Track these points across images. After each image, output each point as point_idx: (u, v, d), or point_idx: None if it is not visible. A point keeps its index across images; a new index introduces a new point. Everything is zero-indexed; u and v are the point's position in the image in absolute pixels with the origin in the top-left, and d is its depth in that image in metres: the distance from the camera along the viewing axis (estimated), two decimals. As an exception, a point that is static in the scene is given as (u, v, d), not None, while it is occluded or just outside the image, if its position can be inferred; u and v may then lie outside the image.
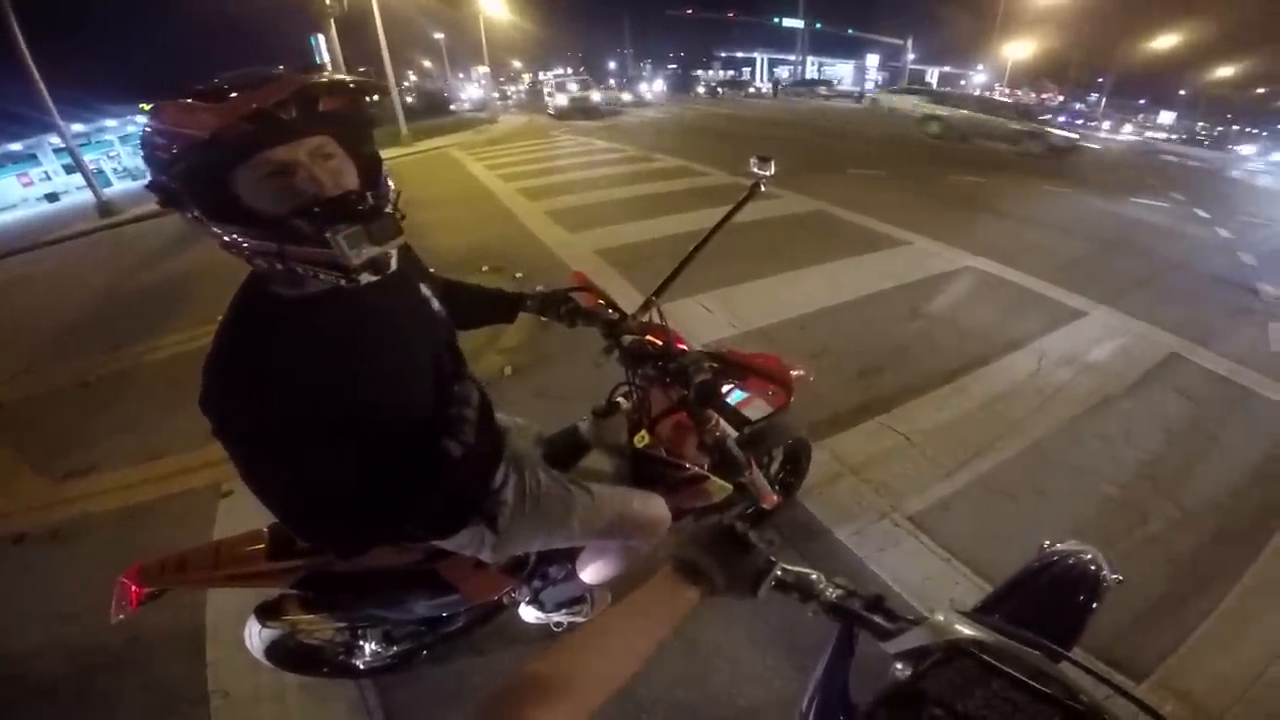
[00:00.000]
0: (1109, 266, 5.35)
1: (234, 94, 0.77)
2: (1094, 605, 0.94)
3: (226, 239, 0.82)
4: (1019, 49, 41.95)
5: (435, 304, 1.16)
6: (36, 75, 11.89)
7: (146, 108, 0.85)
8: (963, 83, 49.92)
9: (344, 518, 0.98)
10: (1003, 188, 8.96)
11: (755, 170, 1.76)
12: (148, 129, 0.80)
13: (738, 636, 1.93)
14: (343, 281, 0.86)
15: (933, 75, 53.31)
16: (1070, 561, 0.98)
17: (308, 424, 0.89)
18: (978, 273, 5.08)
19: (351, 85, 0.87)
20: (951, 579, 2.11)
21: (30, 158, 28.73)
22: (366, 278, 0.88)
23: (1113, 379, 3.36)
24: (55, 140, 22.47)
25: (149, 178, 0.82)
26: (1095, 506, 2.49)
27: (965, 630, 0.68)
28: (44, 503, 2.97)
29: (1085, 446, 2.82)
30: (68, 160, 20.57)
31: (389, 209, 0.89)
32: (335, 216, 0.82)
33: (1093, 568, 0.97)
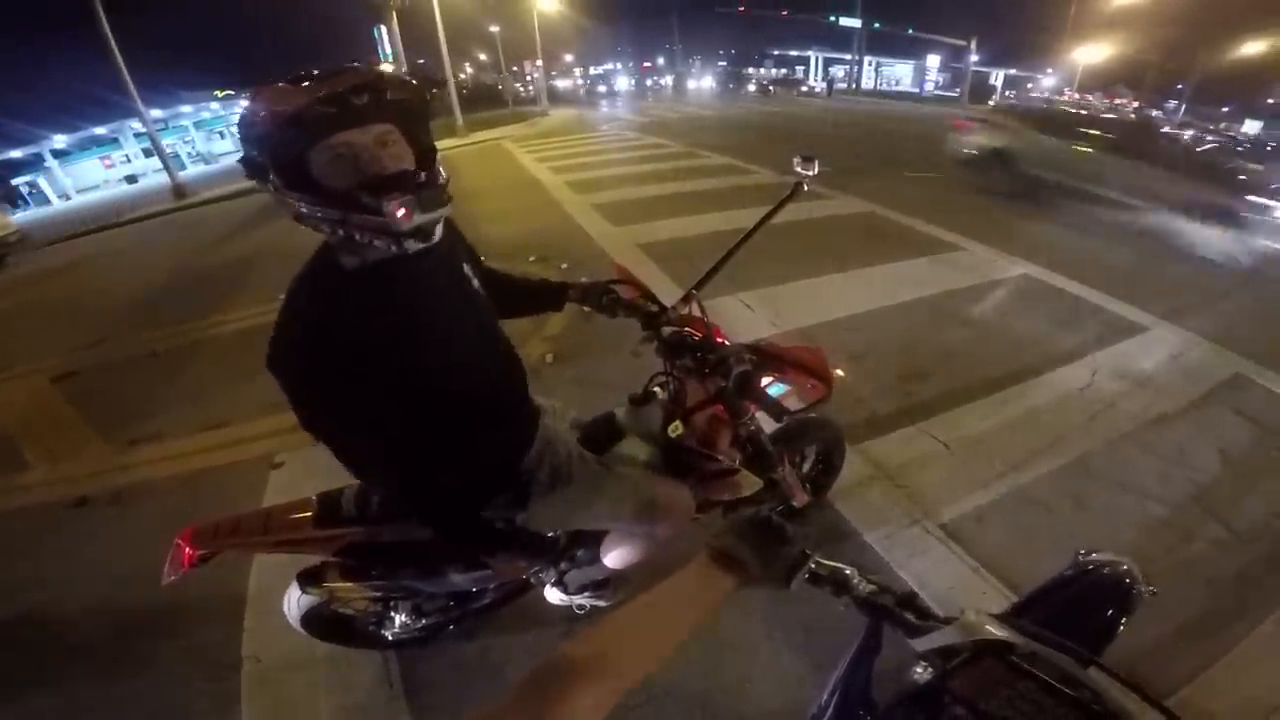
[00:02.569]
0: (1174, 279, 5.07)
1: (315, 81, 0.90)
2: (1126, 616, 0.92)
3: (299, 207, 0.95)
4: (1092, 52, 40.02)
5: (475, 282, 1.24)
6: (121, 62, 12.59)
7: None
8: (1029, 86, 48.01)
9: (406, 474, 1.10)
10: (1071, 196, 8.56)
11: (799, 170, 1.76)
12: (246, 109, 0.93)
13: (755, 629, 1.94)
14: (393, 247, 0.99)
15: (997, 78, 51.40)
16: (1105, 571, 0.97)
17: (364, 381, 1.00)
18: (1032, 280, 4.91)
19: (415, 82, 0.99)
20: (979, 589, 2.07)
21: (113, 141, 30.52)
22: (414, 245, 1.01)
23: (1169, 397, 3.21)
24: (136, 125, 23.85)
25: (241, 152, 0.95)
26: (1138, 523, 2.39)
27: (995, 631, 0.69)
28: (108, 467, 3.18)
29: (1133, 464, 2.70)
30: (146, 144, 21.83)
31: (439, 182, 1.02)
32: (389, 187, 0.95)
33: (1126, 579, 0.95)
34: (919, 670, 0.73)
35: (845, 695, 0.87)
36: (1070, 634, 0.74)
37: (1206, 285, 4.99)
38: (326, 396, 0.99)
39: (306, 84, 0.90)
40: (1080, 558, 1.00)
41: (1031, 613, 0.93)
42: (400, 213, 0.95)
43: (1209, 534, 2.33)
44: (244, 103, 0.96)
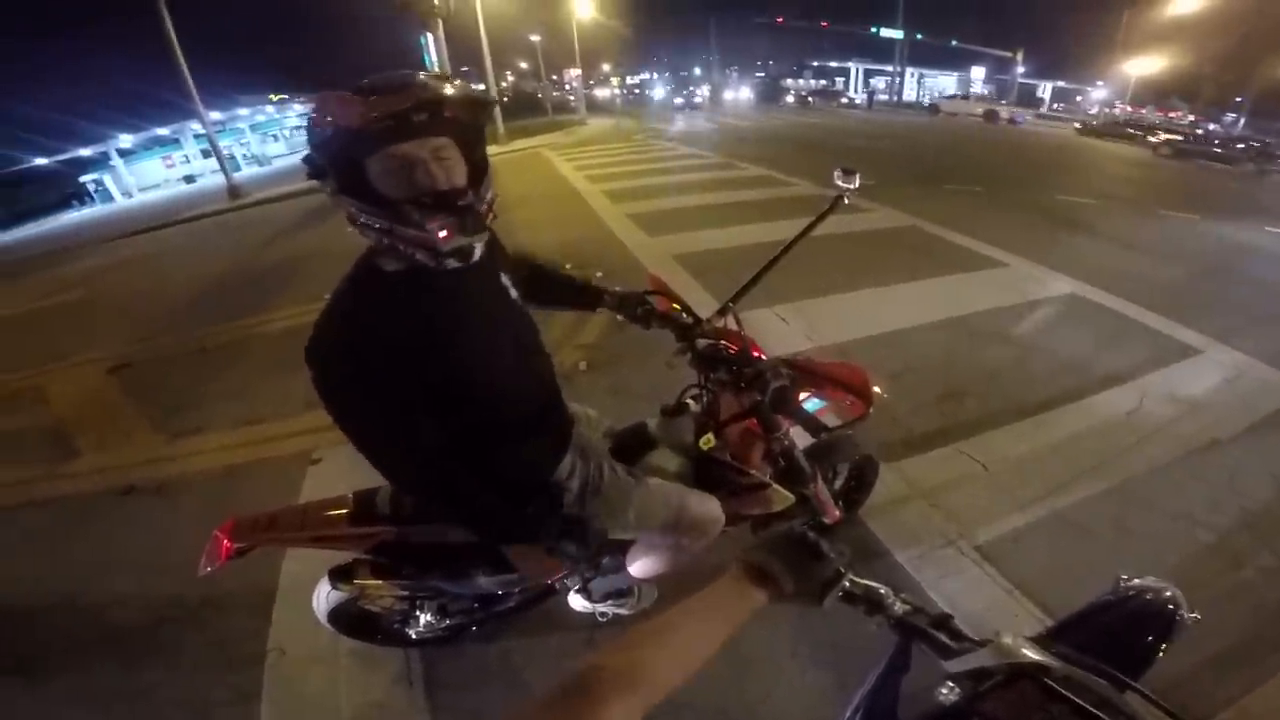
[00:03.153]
0: (1231, 301, 4.84)
1: (380, 94, 0.92)
2: (1166, 642, 0.89)
3: (352, 210, 0.99)
4: (1144, 65, 38.74)
5: (514, 293, 1.25)
6: (184, 65, 13.18)
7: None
8: (1079, 99, 46.65)
9: (430, 473, 1.13)
10: (1112, 210, 8.32)
11: (839, 183, 1.74)
12: (314, 113, 0.96)
13: (780, 643, 1.91)
14: (432, 263, 1.02)
15: (1045, 90, 50.09)
16: (1147, 597, 0.94)
17: (393, 384, 1.03)
18: (1079, 300, 4.75)
19: (474, 99, 1.01)
20: (1012, 612, 2.00)
21: (174, 142, 31.88)
22: (452, 263, 1.04)
23: (1222, 422, 3.06)
24: (196, 126, 24.91)
25: (306, 152, 0.98)
26: (1182, 549, 2.29)
27: (1031, 654, 0.67)
28: (155, 458, 3.30)
29: (1181, 490, 2.58)
30: (205, 145, 22.74)
31: (482, 208, 1.05)
32: (436, 207, 0.98)
33: (1170, 605, 0.91)
34: (944, 691, 0.72)
35: (869, 714, 0.85)
36: (1108, 658, 0.72)
37: (1262, 304, 4.77)
38: (354, 393, 1.03)
39: (372, 96, 0.91)
40: (1122, 583, 0.97)
41: (1067, 637, 0.90)
42: (442, 234, 0.98)
43: (1259, 561, 2.22)
44: (298, 106, 0.99)
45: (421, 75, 0.97)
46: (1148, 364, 3.67)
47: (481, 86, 21.35)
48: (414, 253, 1.01)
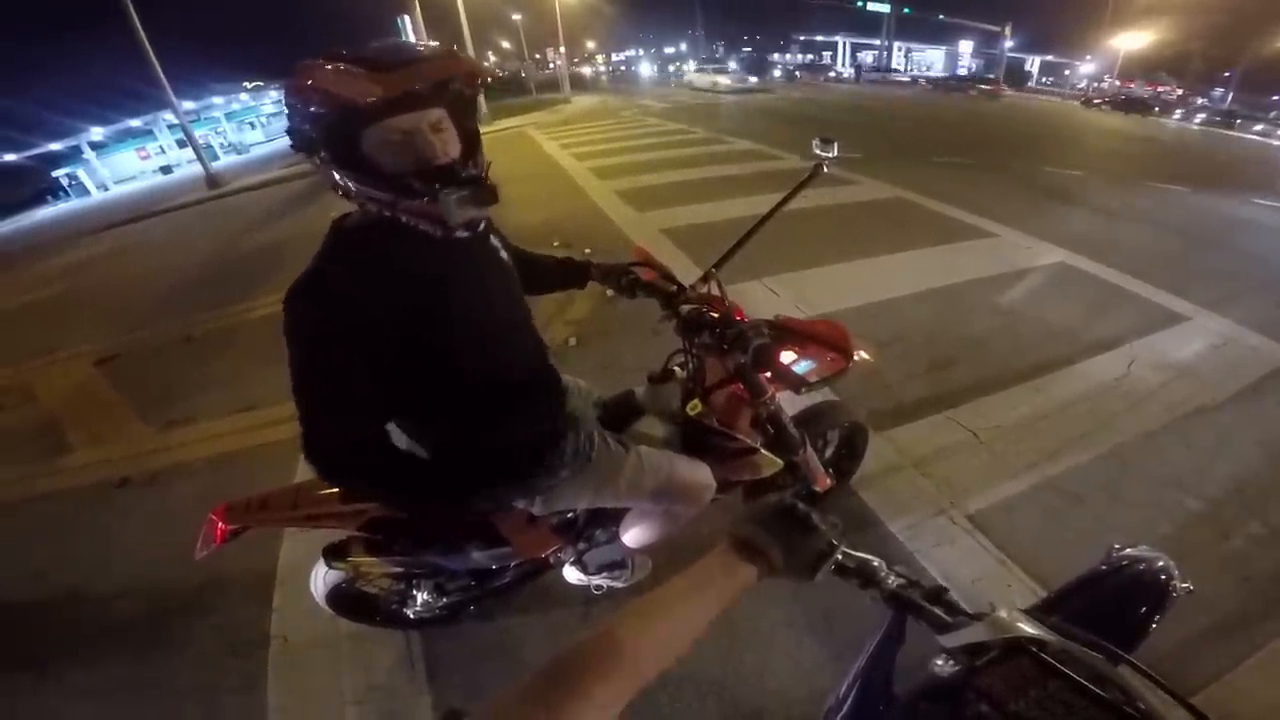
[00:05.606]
0: (1219, 269, 4.88)
1: (389, 68, 0.88)
2: (1160, 613, 0.90)
3: (347, 184, 0.96)
4: (1133, 39, 38.60)
5: (504, 254, 1.24)
6: (152, 55, 12.87)
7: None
8: (1067, 73, 46.51)
9: (365, 448, 1.02)
10: (1102, 181, 8.34)
11: (818, 151, 1.75)
12: (298, 82, 0.91)
13: (774, 615, 1.92)
14: (439, 232, 1.01)
15: (1033, 64, 49.87)
16: (1140, 567, 0.95)
17: (368, 336, 0.95)
18: (1069, 268, 4.76)
19: (480, 70, 0.98)
20: (1004, 581, 2.03)
21: (147, 133, 31.30)
22: (461, 233, 1.04)
23: (1211, 388, 3.09)
24: (169, 117, 24.40)
25: (289, 123, 0.94)
26: (1172, 517, 2.31)
27: (1027, 629, 0.67)
28: (148, 449, 3.27)
29: (1170, 456, 2.61)
30: (180, 136, 22.29)
31: (488, 179, 1.03)
32: (447, 179, 0.96)
33: (1162, 575, 0.93)
34: (940, 663, 0.71)
35: (865, 687, 0.85)
36: (1102, 631, 0.73)
37: (1251, 273, 4.80)
38: (327, 344, 0.95)
39: (381, 70, 0.87)
40: (1114, 553, 0.98)
41: (1062, 608, 0.92)
42: (456, 206, 0.97)
43: (1248, 530, 2.25)
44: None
45: (420, 46, 0.95)
46: (1135, 330, 3.70)
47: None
48: (418, 224, 0.99)
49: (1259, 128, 19.23)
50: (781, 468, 1.68)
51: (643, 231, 5.89)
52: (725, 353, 1.39)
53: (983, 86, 29.69)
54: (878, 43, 49.21)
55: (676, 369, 1.64)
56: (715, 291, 1.54)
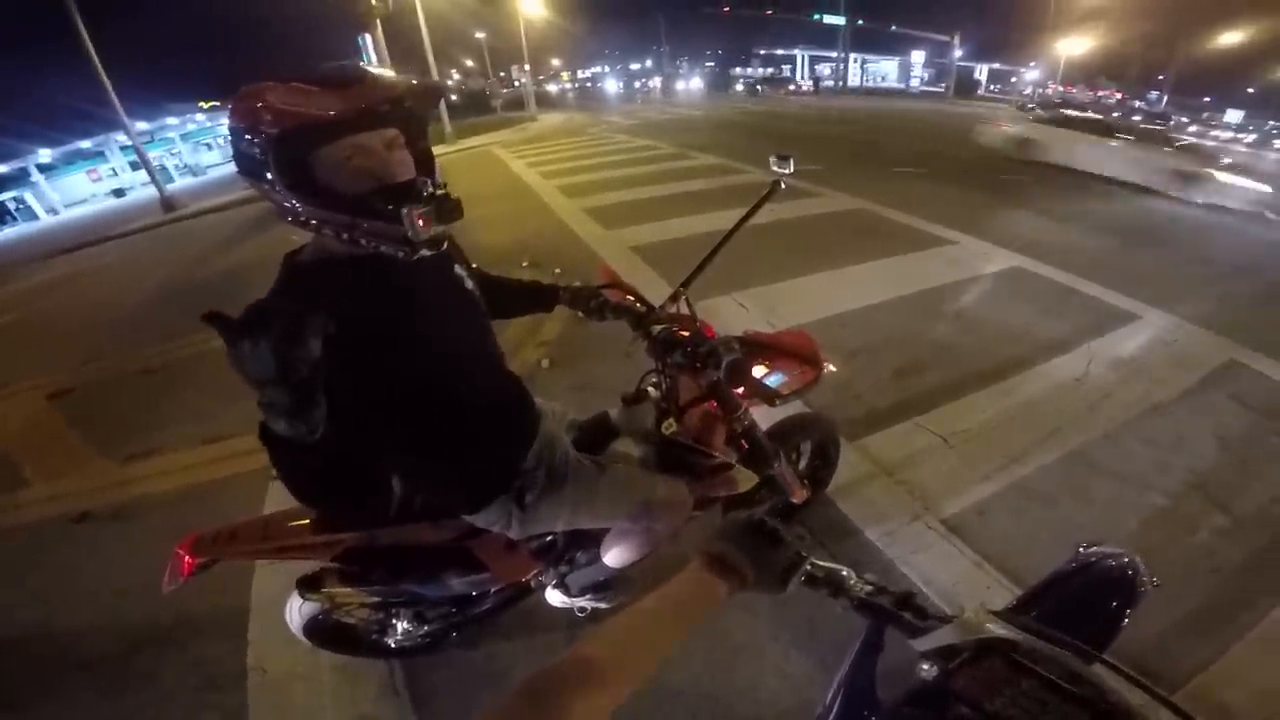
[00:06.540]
0: (1166, 269, 5.12)
1: (338, 87, 0.88)
2: (1129, 609, 0.91)
3: (298, 209, 0.92)
4: (1074, 45, 40.27)
5: (469, 283, 1.23)
6: (103, 74, 12.48)
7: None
8: (1014, 80, 48.28)
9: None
10: (1053, 187, 8.66)
11: (775, 168, 1.78)
12: (245, 105, 0.88)
13: (760, 628, 1.94)
14: (401, 253, 0.97)
15: (981, 72, 51.70)
16: (1107, 564, 0.96)
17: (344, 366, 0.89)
18: (1025, 273, 4.94)
19: (434, 87, 1.00)
20: (983, 584, 2.07)
21: (98, 155, 30.32)
22: (424, 252, 0.99)
23: (1164, 385, 3.23)
24: (122, 138, 23.70)
25: (235, 149, 0.91)
26: (1140, 514, 2.40)
27: (996, 629, 0.68)
28: (108, 483, 3.15)
29: (1132, 454, 2.71)
30: (133, 157, 21.65)
31: (451, 195, 1.01)
32: (409, 197, 0.95)
33: (1129, 571, 0.94)
34: (925, 668, 0.73)
35: (849, 696, 0.86)
36: (1074, 629, 0.73)
37: (1194, 271, 5.06)
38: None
39: (331, 89, 0.87)
40: (1081, 551, 0.99)
41: (1033, 608, 0.92)
42: (420, 223, 0.94)
43: (1212, 523, 2.34)
44: (239, 99, 0.92)
45: (368, 66, 0.95)
46: (1091, 330, 3.85)
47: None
48: (378, 245, 0.96)
49: (1192, 129, 20.12)
50: (758, 482, 1.70)
51: (611, 249, 5.91)
52: (698, 371, 1.40)
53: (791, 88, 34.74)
54: (835, 54, 50.42)
55: (650, 389, 1.65)
56: (684, 310, 1.56)
